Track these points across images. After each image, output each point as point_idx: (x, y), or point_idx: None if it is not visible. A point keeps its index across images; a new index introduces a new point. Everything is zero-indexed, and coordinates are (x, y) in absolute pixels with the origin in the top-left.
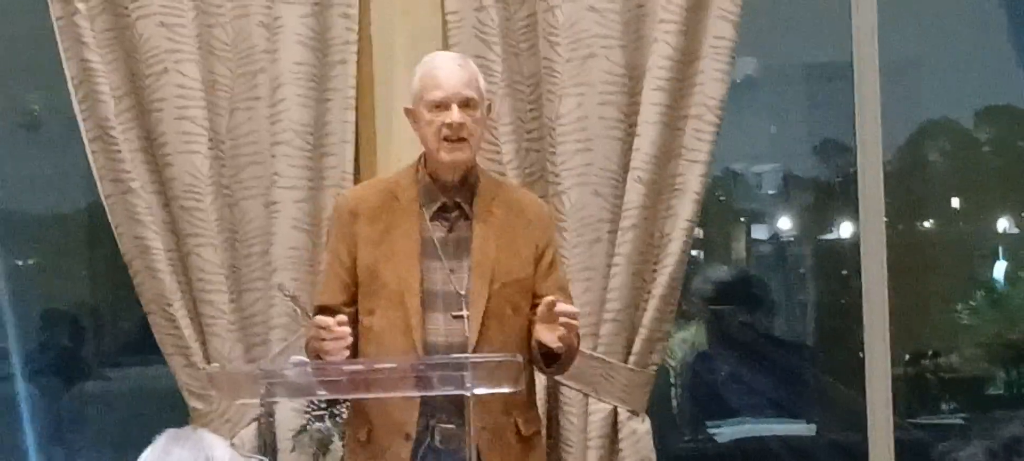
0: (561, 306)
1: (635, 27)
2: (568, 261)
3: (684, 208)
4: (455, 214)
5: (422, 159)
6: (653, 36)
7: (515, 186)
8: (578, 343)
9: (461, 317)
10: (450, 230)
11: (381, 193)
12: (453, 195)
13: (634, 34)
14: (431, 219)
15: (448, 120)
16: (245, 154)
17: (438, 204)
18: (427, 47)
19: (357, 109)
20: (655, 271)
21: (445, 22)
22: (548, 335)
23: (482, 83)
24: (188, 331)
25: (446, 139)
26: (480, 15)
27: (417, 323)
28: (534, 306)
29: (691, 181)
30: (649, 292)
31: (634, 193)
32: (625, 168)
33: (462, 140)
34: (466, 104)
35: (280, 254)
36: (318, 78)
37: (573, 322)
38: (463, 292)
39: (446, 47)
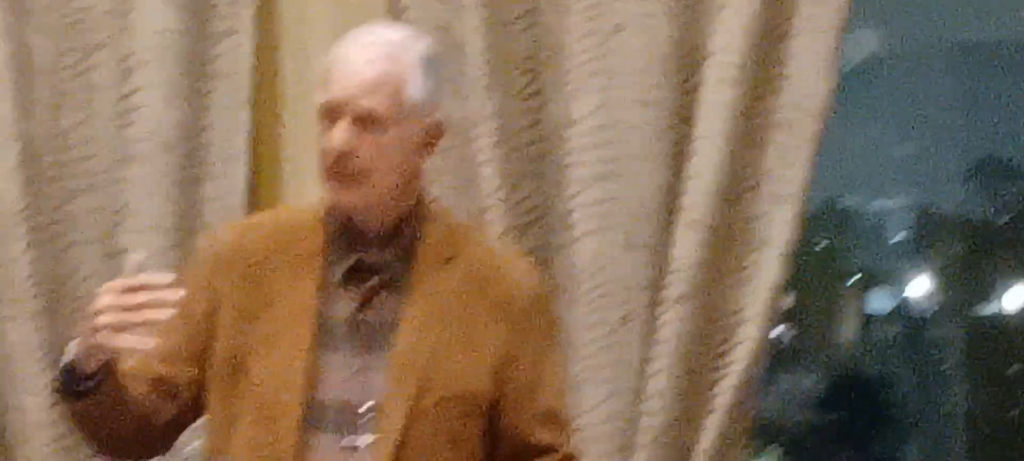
0: None
1: None
2: (582, 350)
3: (766, 268)
4: (376, 280)
5: None
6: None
7: (493, 245)
8: None
9: (356, 448)
10: (364, 304)
11: (270, 235)
12: (377, 251)
13: None
14: (338, 286)
15: (327, 143)
16: (76, 176)
17: (350, 263)
18: (363, 10)
19: (254, 106)
20: (719, 367)
21: None
22: None
23: (412, 89)
24: None
25: (329, 169)
26: None
27: (290, 453)
28: (498, 445)
29: (777, 226)
30: (710, 400)
31: (688, 244)
32: (673, 205)
33: (350, 176)
34: (364, 120)
35: None
36: (194, 57)
37: None
38: (366, 407)
39: (395, 11)
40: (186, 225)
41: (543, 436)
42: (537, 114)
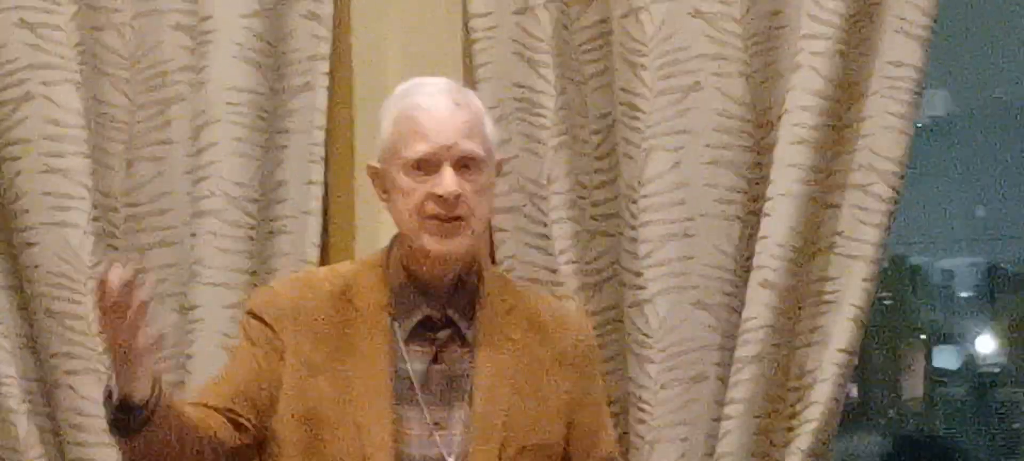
0: None
1: (766, 44)
2: (654, 410)
3: (839, 331)
4: (445, 334)
5: (395, 245)
6: (794, 59)
7: (537, 292)
8: None
9: None
10: (436, 359)
11: (331, 292)
12: (444, 304)
13: (764, 55)
14: (407, 341)
15: (438, 190)
16: (149, 230)
17: (419, 317)
18: (438, 67)
19: (328, 162)
20: (791, 428)
21: (467, 30)
22: None
23: (490, 130)
24: None
25: (434, 218)
26: (522, 20)
27: None
28: None
29: (850, 287)
30: None
31: (760, 304)
32: (747, 265)
33: (457, 220)
34: (465, 164)
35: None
36: (268, 112)
37: None
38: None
39: (469, 68)
40: (260, 280)
41: None
42: (610, 173)
